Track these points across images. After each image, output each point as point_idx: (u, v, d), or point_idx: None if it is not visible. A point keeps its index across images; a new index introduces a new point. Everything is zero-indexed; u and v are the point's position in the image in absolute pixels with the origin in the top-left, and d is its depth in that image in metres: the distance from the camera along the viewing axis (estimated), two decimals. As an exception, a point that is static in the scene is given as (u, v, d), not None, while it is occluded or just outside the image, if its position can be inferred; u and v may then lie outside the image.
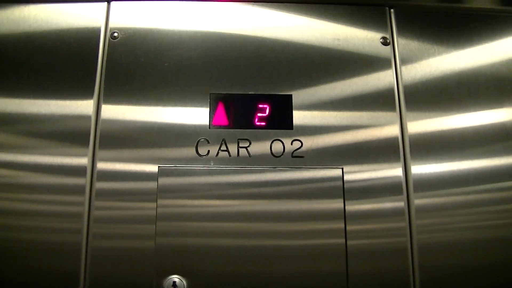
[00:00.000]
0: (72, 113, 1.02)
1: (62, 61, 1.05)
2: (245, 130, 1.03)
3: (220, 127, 1.03)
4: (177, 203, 0.98)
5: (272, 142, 1.03)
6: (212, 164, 1.01)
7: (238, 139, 1.02)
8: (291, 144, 1.03)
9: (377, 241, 0.98)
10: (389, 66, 1.08)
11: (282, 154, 1.02)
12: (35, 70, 1.04)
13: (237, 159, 1.01)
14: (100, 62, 1.05)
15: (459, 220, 1.00)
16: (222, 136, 1.02)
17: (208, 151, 1.01)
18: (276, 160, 1.01)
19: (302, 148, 1.02)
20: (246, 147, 1.02)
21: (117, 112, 1.02)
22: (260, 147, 1.02)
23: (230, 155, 1.01)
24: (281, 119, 1.04)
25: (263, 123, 1.04)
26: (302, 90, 1.06)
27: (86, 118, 1.01)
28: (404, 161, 1.03)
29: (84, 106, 1.02)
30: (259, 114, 1.04)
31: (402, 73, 1.08)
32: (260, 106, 1.05)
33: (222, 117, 1.04)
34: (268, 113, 1.04)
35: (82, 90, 1.03)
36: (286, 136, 1.03)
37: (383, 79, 1.07)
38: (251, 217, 0.98)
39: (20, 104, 1.02)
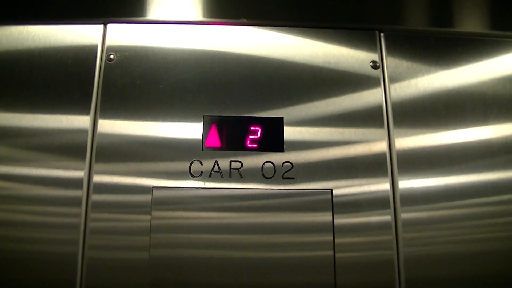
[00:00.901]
0: (69, 128, 1.04)
1: (60, 79, 1.07)
2: (237, 152, 1.05)
3: (213, 148, 1.05)
4: (171, 215, 1.01)
5: (263, 164, 1.05)
6: (204, 184, 1.03)
7: (231, 160, 1.05)
8: (282, 166, 1.05)
9: (365, 254, 1.01)
10: (378, 87, 1.11)
11: (273, 176, 1.04)
12: (34, 87, 1.06)
13: (229, 180, 1.04)
14: (97, 83, 1.07)
15: (444, 234, 1.03)
16: (214, 158, 1.05)
17: (201, 172, 1.04)
18: (267, 181, 1.04)
19: (293, 170, 1.05)
20: (238, 169, 1.04)
21: (113, 127, 1.05)
22: (251, 169, 1.04)
23: (222, 176, 1.04)
24: (272, 141, 1.06)
25: (255, 145, 1.06)
26: (293, 111, 1.09)
27: (83, 132, 1.04)
28: (391, 176, 1.05)
29: (81, 121, 1.04)
30: (251, 137, 1.06)
31: (391, 93, 1.11)
32: (252, 128, 1.07)
33: (215, 139, 1.06)
34: (260, 135, 1.06)
35: (79, 106, 1.05)
36: (277, 158, 1.05)
37: (372, 100, 1.10)
38: (242, 230, 1.01)
39: (19, 119, 1.04)
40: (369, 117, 1.09)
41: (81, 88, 1.07)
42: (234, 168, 1.04)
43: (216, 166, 1.04)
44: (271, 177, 1.04)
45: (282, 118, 1.08)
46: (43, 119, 1.05)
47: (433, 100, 1.11)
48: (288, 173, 1.05)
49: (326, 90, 1.10)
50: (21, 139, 1.03)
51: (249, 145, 1.06)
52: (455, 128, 1.10)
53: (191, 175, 1.03)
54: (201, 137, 1.06)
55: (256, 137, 1.06)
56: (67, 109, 1.05)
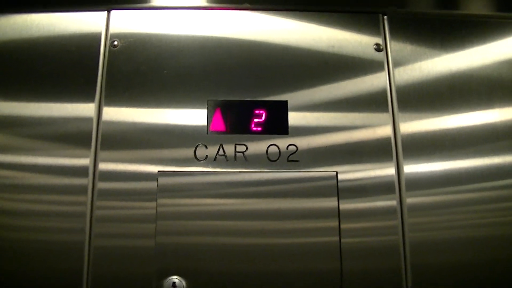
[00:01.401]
0: (74, 116, 1.05)
1: (64, 67, 1.08)
2: (242, 135, 1.05)
3: (218, 132, 1.06)
4: (176, 202, 1.01)
5: (268, 147, 1.05)
6: (209, 168, 1.03)
7: (235, 144, 1.05)
8: (287, 148, 1.05)
9: (371, 239, 1.01)
10: (382, 71, 1.11)
11: (278, 158, 1.05)
12: (38, 76, 1.07)
13: (234, 164, 1.04)
14: (101, 70, 1.08)
15: (450, 219, 1.03)
16: (219, 141, 1.05)
17: (206, 155, 1.04)
18: (272, 164, 1.04)
19: (297, 152, 1.05)
20: (243, 152, 1.05)
21: (118, 114, 1.05)
22: (256, 152, 1.05)
23: (227, 160, 1.04)
24: (277, 124, 1.07)
25: (259, 128, 1.06)
26: (297, 95, 1.09)
27: (88, 120, 1.04)
28: (396, 161, 1.05)
29: (86, 109, 1.05)
30: (255, 120, 1.07)
31: (395, 77, 1.11)
32: (257, 112, 1.07)
33: (219, 123, 1.06)
34: (264, 118, 1.07)
35: (84, 94, 1.06)
36: (282, 140, 1.06)
37: (376, 84, 1.10)
38: (248, 216, 1.01)
39: (25, 107, 1.05)
40: (373, 101, 1.08)
41: (86, 75, 1.07)
42: (239, 152, 1.05)
43: (221, 149, 1.05)
44: (276, 160, 1.05)
45: (286, 101, 1.08)
46: (48, 107, 1.05)
47: (437, 84, 1.11)
48: (293, 155, 1.05)
49: (330, 74, 1.10)
50: (26, 128, 1.04)
51: (254, 128, 1.06)
52: (460, 112, 1.09)
53: (196, 159, 1.04)
54: (205, 122, 1.06)
55: (260, 120, 1.07)
56: (71, 97, 1.06)
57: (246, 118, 1.07)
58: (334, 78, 1.10)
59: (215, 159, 1.04)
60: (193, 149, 1.04)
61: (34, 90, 1.06)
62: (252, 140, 1.06)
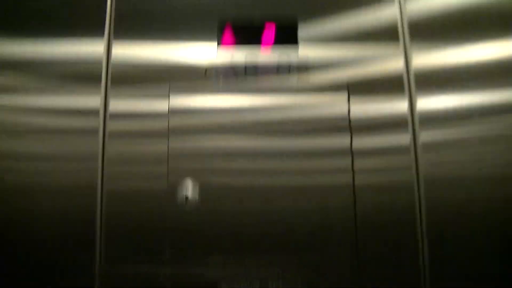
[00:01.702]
0: (84, 52, 1.04)
1: (73, 2, 1.07)
2: (252, 50, 1.05)
3: (229, 47, 1.05)
4: (188, 140, 1.00)
5: (278, 60, 1.04)
6: (220, 85, 1.03)
7: (246, 55, 1.05)
8: (297, 62, 1.04)
9: (384, 176, 0.98)
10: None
11: (289, 70, 1.04)
12: (47, 12, 1.07)
13: (245, 77, 1.03)
14: (109, 3, 1.07)
15: (464, 154, 0.99)
16: (230, 55, 1.04)
17: (217, 72, 1.03)
18: (283, 77, 1.03)
19: (309, 64, 1.04)
20: (253, 65, 1.04)
21: (128, 48, 1.04)
22: (267, 64, 1.04)
23: (238, 74, 1.04)
24: (287, 38, 1.05)
25: (269, 43, 1.05)
26: (308, 17, 1.07)
27: (98, 56, 1.03)
28: (409, 95, 1.02)
29: (95, 44, 1.04)
30: (266, 32, 1.06)
31: (406, 6, 1.08)
32: (267, 24, 1.06)
33: (230, 37, 1.06)
34: (275, 33, 1.06)
35: (93, 29, 1.05)
36: (292, 53, 1.05)
37: (387, 13, 1.08)
38: (263, 155, 1.00)
39: (33, 46, 1.04)
40: (384, 30, 1.06)
41: (95, 7, 1.06)
42: (249, 64, 1.04)
43: (232, 63, 1.04)
44: (286, 73, 1.04)
45: (296, 13, 1.07)
46: (57, 44, 1.04)
47: (449, 13, 1.08)
48: (304, 69, 1.04)
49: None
50: (35, 68, 1.03)
51: (264, 41, 1.05)
52: (473, 43, 1.05)
53: (207, 77, 1.03)
54: (216, 37, 1.05)
55: (270, 34, 1.06)
56: (81, 32, 1.05)
57: (257, 31, 1.06)
58: (346, 5, 1.08)
59: (225, 75, 1.03)
60: (204, 67, 1.04)
61: (43, 27, 1.05)
62: (262, 52, 1.05)
